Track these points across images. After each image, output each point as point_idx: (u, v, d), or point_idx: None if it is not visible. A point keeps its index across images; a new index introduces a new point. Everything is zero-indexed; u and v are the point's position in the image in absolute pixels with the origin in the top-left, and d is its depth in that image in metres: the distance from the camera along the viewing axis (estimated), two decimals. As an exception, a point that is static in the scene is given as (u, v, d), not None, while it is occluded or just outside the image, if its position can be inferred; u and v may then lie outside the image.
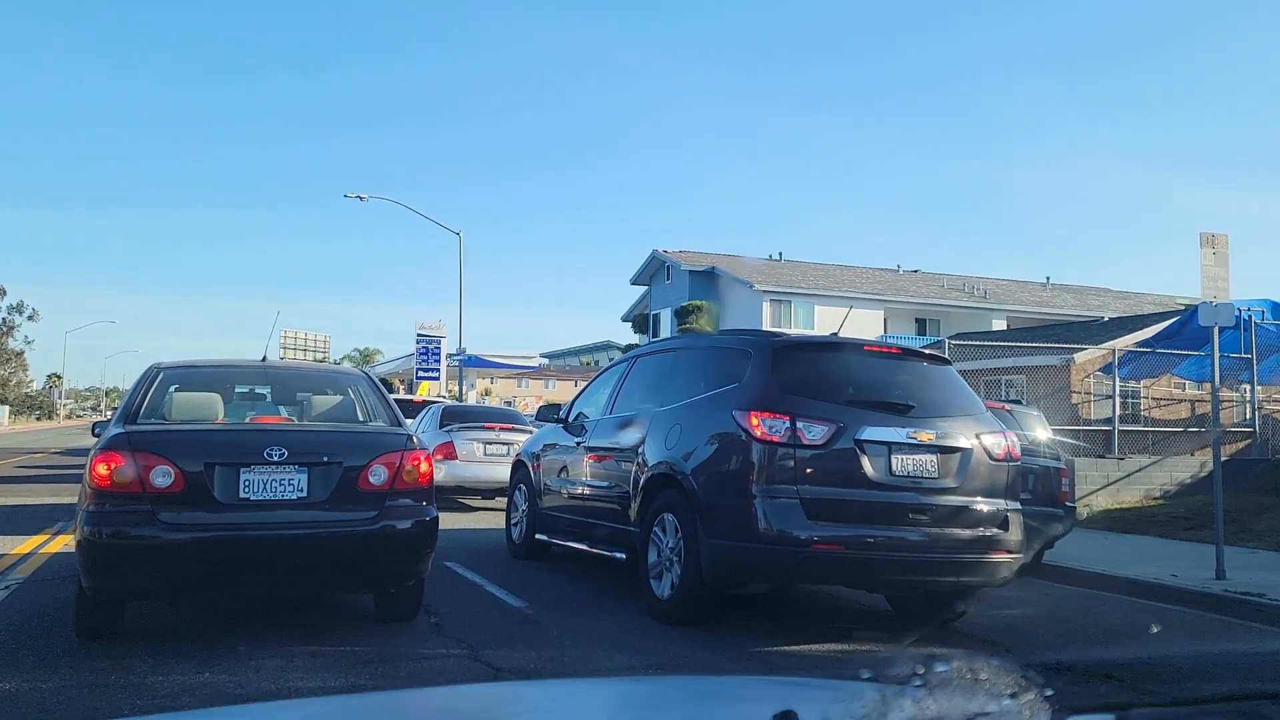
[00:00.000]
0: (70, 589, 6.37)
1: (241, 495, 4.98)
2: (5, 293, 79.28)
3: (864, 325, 37.63)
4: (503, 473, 13.24)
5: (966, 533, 5.90)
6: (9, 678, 4.46)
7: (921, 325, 43.81)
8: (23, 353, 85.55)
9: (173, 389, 5.93)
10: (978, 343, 18.89)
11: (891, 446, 5.81)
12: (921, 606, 6.59)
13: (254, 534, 4.97)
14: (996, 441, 6.12)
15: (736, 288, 42.50)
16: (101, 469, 4.81)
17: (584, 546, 7.55)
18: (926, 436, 5.90)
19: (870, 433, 5.77)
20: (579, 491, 7.81)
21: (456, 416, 14.74)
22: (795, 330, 36.15)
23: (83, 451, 28.80)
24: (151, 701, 4.10)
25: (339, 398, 6.45)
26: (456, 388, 36.81)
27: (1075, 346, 18.54)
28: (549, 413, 9.09)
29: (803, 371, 6.12)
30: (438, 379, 35.29)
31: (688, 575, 5.90)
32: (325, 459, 5.20)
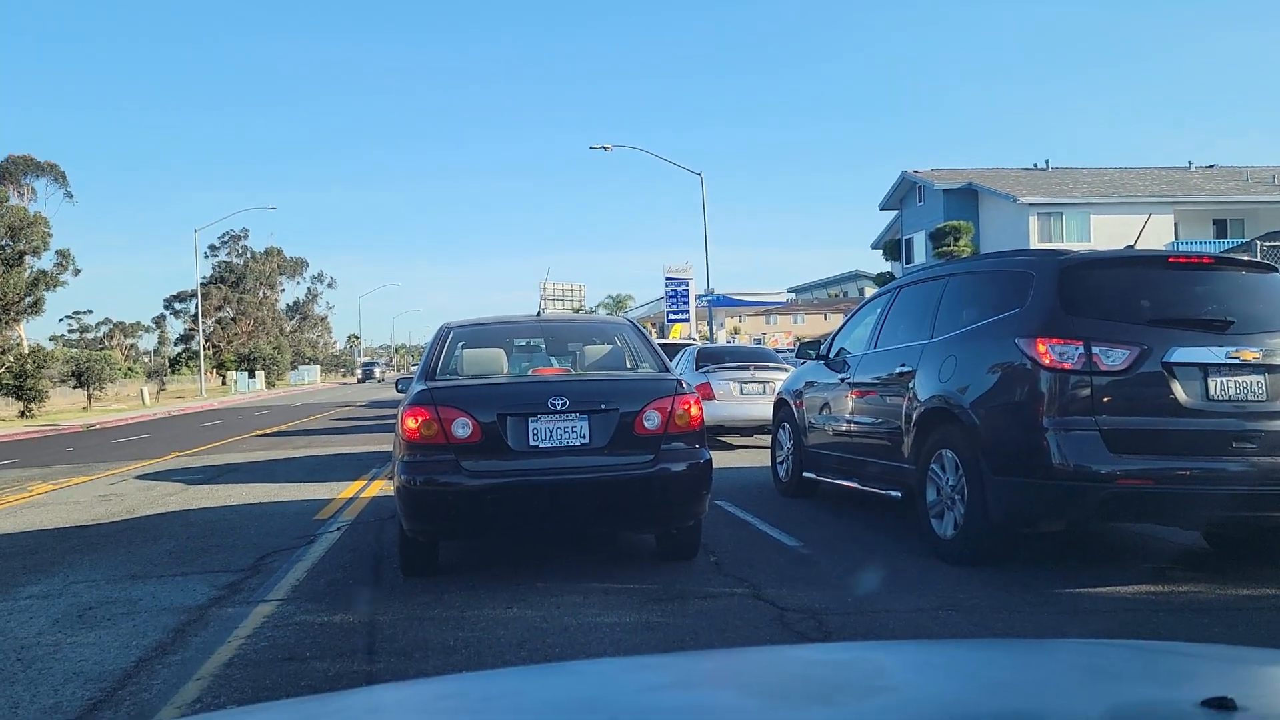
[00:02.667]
0: (389, 530, 7.15)
1: (531, 443, 5.30)
2: (308, 264, 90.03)
3: (1150, 232, 33.93)
4: (759, 410, 13.42)
5: (1305, 461, 5.17)
6: (352, 610, 5.06)
7: (1221, 227, 38.85)
8: (326, 317, 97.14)
9: (461, 346, 6.40)
10: (1297, 242, 16.39)
11: (1208, 368, 5.18)
12: (1247, 544, 5.89)
13: (544, 479, 5.28)
14: (1342, 357, 5.27)
15: (998, 204, 39.65)
16: (410, 423, 5.29)
17: (855, 484, 7.41)
18: (1251, 355, 5.20)
19: (1181, 354, 5.17)
20: (845, 429, 7.65)
21: (712, 358, 15.00)
22: (1070, 245, 33.28)
23: (383, 403, 32.24)
24: (471, 633, 4.50)
25: (608, 347, 6.68)
26: (706, 328, 37.31)
27: None
28: (808, 350, 8.95)
29: (1095, 291, 5.56)
30: (688, 320, 35.94)
31: (972, 514, 5.62)
32: (603, 406, 5.41)
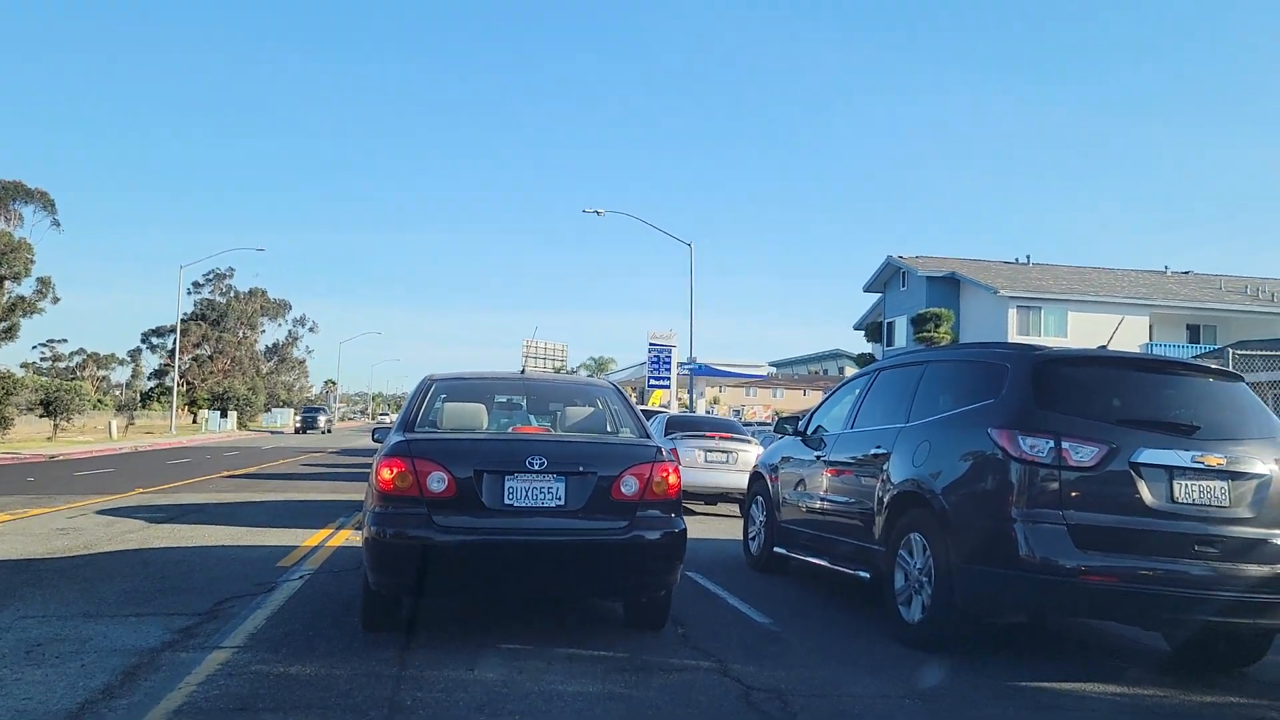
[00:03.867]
0: (353, 581, 7.05)
1: (506, 501, 5.29)
2: (291, 307, 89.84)
3: (1126, 333, 34.54)
4: (722, 478, 14.10)
5: (1263, 570, 5.25)
6: (309, 662, 4.97)
7: (1194, 332, 39.65)
8: (304, 361, 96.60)
9: (443, 399, 6.40)
10: (1267, 351, 16.77)
11: (1173, 471, 5.29)
12: (1207, 648, 5.92)
13: (517, 539, 5.25)
14: (1304, 467, 5.39)
15: (979, 294, 40.34)
16: (385, 474, 5.27)
17: (824, 563, 7.41)
18: (1215, 461, 5.31)
19: (1148, 455, 5.27)
20: (818, 506, 7.68)
21: (680, 425, 15.67)
22: (1047, 340, 33.81)
23: (355, 452, 31.85)
24: (429, 694, 4.43)
25: (590, 409, 6.70)
26: (686, 396, 37.40)
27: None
28: (786, 425, 9.03)
29: (1068, 387, 5.68)
30: (668, 387, 36.04)
31: (939, 600, 5.64)
32: (581, 469, 5.41)
